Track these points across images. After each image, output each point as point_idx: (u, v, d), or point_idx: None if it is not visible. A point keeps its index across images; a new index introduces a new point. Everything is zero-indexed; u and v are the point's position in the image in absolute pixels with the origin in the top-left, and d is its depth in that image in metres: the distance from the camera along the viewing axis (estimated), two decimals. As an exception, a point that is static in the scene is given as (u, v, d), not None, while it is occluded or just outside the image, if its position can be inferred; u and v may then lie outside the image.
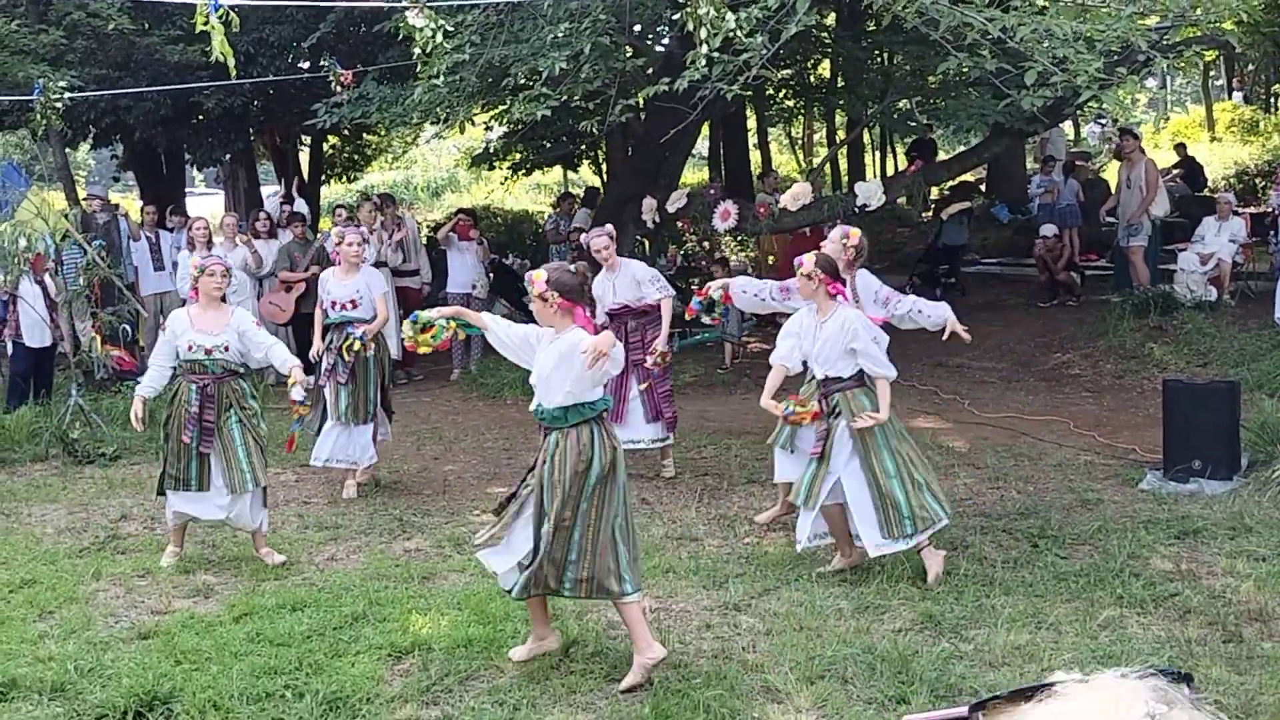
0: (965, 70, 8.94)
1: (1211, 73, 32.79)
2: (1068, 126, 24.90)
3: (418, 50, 8.72)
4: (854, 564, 7.27)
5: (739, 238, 14.65)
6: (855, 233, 8.03)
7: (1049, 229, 16.53)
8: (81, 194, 15.66)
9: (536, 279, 5.86)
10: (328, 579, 7.40)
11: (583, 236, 9.91)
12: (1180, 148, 22.83)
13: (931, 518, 7.04)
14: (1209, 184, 21.44)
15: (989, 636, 6.17)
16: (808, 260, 7.11)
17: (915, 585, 6.97)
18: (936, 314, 7.72)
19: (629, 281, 9.43)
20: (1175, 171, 21.07)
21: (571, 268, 6.03)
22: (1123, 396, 12.02)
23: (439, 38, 8.47)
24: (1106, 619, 6.35)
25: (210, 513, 7.82)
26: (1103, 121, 22.06)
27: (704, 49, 8.05)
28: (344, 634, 6.49)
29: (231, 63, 7.60)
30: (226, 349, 7.72)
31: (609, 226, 9.70)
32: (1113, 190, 16.10)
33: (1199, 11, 7.87)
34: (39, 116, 11.76)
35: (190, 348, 7.69)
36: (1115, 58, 8.37)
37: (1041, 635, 6.17)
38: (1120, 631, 6.21)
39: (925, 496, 7.04)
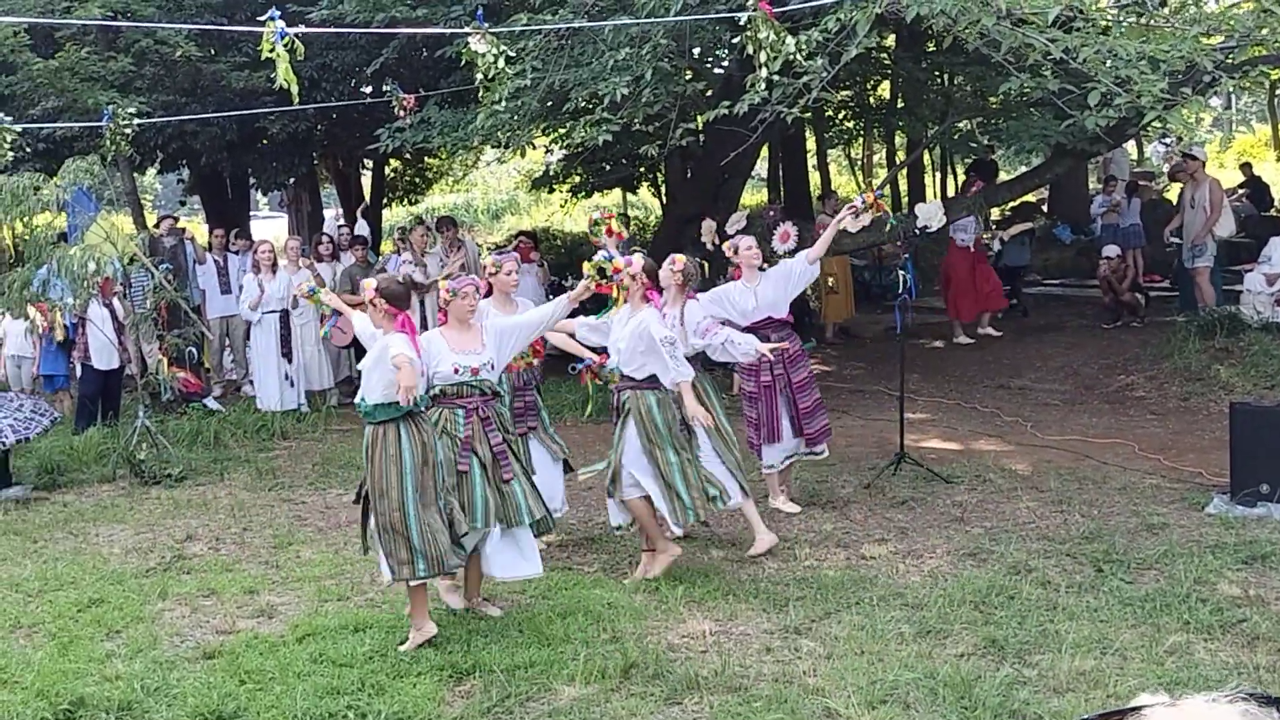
0: (1027, 91, 8.90)
1: (1278, 92, 32.36)
2: (1131, 146, 24.67)
3: (480, 75, 8.79)
4: (664, 564, 7.73)
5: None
6: (681, 259, 8.44)
7: (1112, 250, 16.37)
8: (153, 218, 15.91)
9: (367, 286, 6.74)
10: (390, 600, 7.44)
11: (729, 243, 9.38)
12: (1246, 167, 22.56)
13: (715, 498, 7.72)
14: (1275, 203, 21.15)
15: (1053, 662, 6.11)
16: (636, 261, 7.62)
17: (978, 610, 6.91)
18: (747, 345, 8.21)
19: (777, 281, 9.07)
20: (1241, 191, 20.82)
21: (400, 278, 7.04)
22: (1188, 419, 11.86)
23: (501, 63, 8.54)
24: (1173, 645, 6.26)
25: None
26: (1167, 141, 21.86)
27: (763, 72, 8.06)
28: (405, 655, 6.53)
29: (295, 89, 7.70)
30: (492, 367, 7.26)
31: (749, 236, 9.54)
32: (1176, 211, 15.94)
33: (1265, 31, 7.78)
34: (108, 142, 11.96)
35: (456, 370, 7.11)
36: (1180, 78, 8.29)
37: (1107, 661, 6.10)
38: (1187, 658, 6.13)
39: (706, 485, 7.70)
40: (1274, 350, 12.88)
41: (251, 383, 14.60)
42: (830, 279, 15.64)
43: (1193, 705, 1.39)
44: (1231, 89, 8.74)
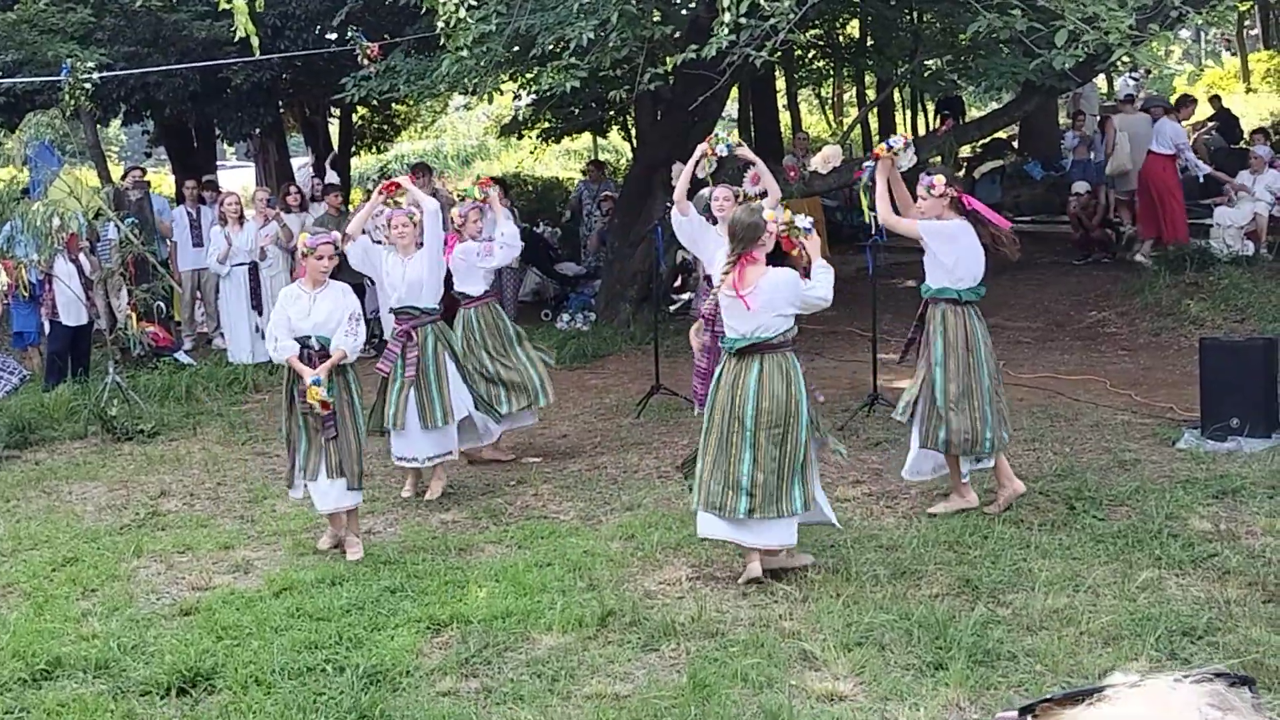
0: (995, 29, 8.85)
1: (1246, 23, 32.33)
2: (1100, 80, 24.62)
3: (440, 24, 8.69)
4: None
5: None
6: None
7: (1081, 186, 16.37)
8: (119, 170, 15.73)
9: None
10: (365, 552, 7.44)
11: (705, 190, 9.26)
12: (1215, 99, 22.55)
13: None
14: (1244, 136, 21.17)
15: (1026, 600, 6.16)
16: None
17: (952, 550, 6.96)
18: None
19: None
20: (1210, 124, 20.82)
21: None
22: (1159, 354, 11.92)
23: (461, 12, 8.44)
24: (1145, 581, 6.32)
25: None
26: (1135, 76, 21.81)
27: (727, 17, 8.00)
28: (382, 607, 6.54)
29: (256, 41, 7.60)
30: None
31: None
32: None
33: (1232, -34, 7.76)
34: (68, 96, 11.80)
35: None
36: (1147, 13, 8.26)
37: (1079, 598, 6.15)
38: (1159, 593, 6.19)
39: None
40: (1243, 284, 12.95)
41: (222, 335, 14.51)
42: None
43: (1156, 686, 1.38)
44: (1199, 23, 8.71)
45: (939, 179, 7.62)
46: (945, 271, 7.58)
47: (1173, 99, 17.95)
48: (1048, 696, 1.42)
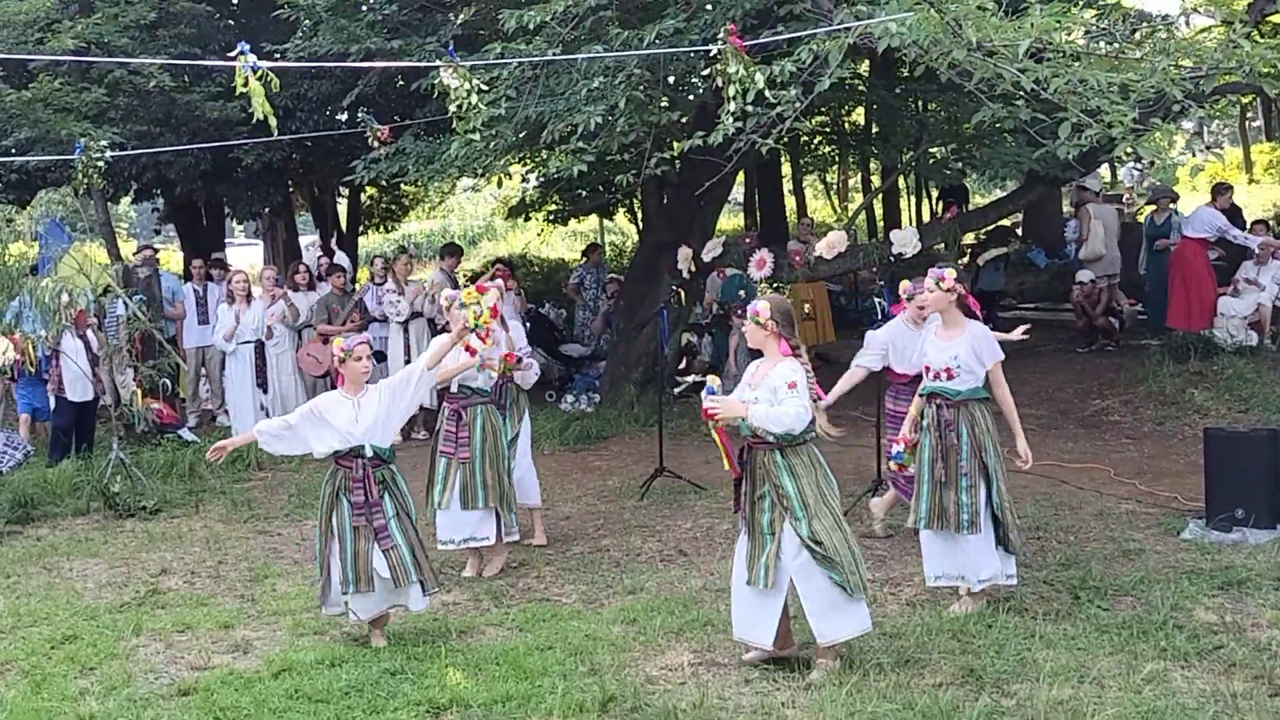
0: (1000, 119, 8.94)
1: (1249, 115, 32.66)
2: (1104, 169, 24.82)
3: (453, 108, 8.80)
4: None
5: (775, 286, 14.69)
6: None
7: (1085, 274, 16.44)
8: (129, 246, 15.83)
9: None
10: (366, 634, 7.40)
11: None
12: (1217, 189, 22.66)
13: None
14: (1248, 226, 21.26)
15: (1031, 691, 6.11)
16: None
17: (956, 639, 6.91)
18: None
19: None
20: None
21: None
22: (1164, 443, 11.91)
23: (473, 97, 8.55)
24: (1150, 673, 6.27)
25: None
26: (1139, 166, 22.02)
27: (732, 105, 8.10)
28: (382, 690, 6.49)
29: (273, 121, 7.70)
30: None
31: None
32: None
33: (1233, 63, 7.84)
34: (81, 174, 11.91)
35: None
36: (1149, 105, 8.35)
37: (1085, 690, 6.10)
38: (1164, 685, 6.14)
39: None
40: (1248, 374, 12.96)
41: (227, 413, 14.53)
42: (806, 305, 15.65)
43: None
44: (1200, 116, 8.81)
45: (950, 273, 7.55)
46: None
47: (1177, 186, 18.05)
48: None
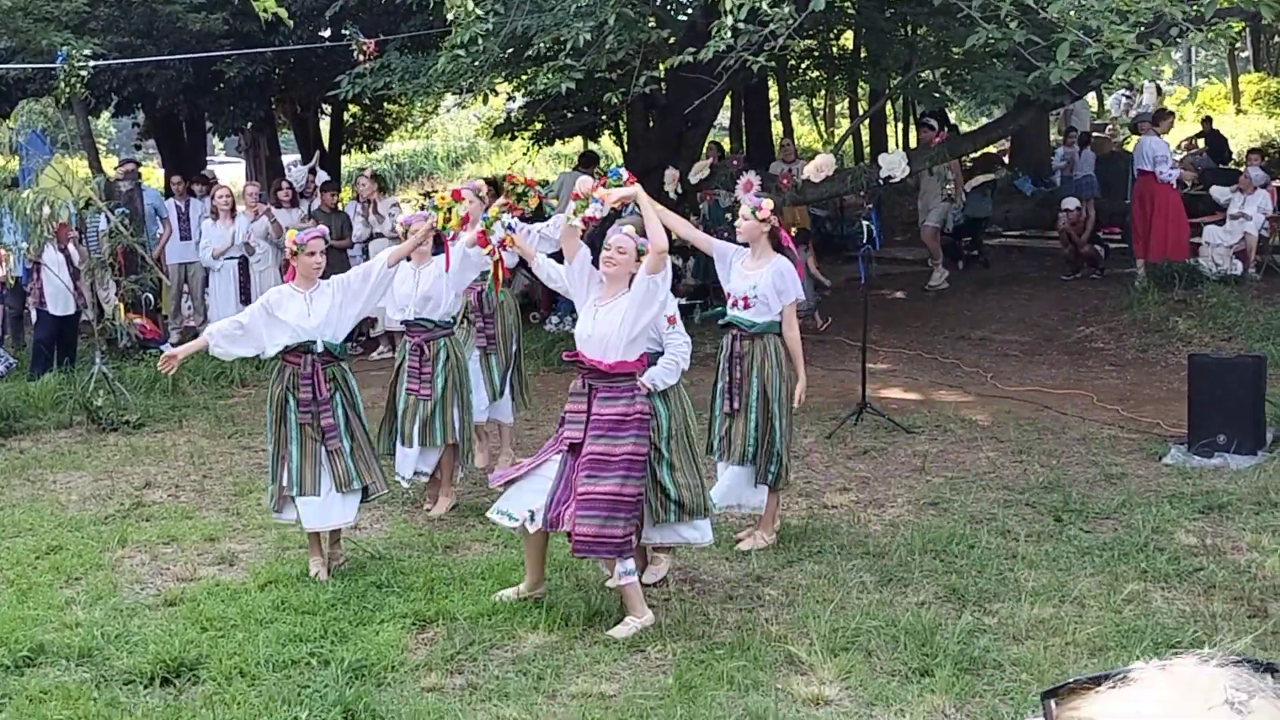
0: (992, 42, 8.86)
1: (1237, 44, 32.49)
2: (1091, 97, 24.71)
3: (450, 15, 8.67)
4: None
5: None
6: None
7: (1071, 202, 16.41)
8: (109, 162, 15.67)
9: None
10: (351, 548, 7.42)
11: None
12: (1206, 120, 22.66)
13: None
14: (1234, 156, 21.28)
15: (1013, 610, 6.17)
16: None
17: (939, 558, 6.96)
18: None
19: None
20: (1197, 143, 20.91)
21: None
22: (1147, 370, 11.97)
23: (470, 3, 8.42)
24: (1131, 593, 6.33)
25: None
26: (1127, 94, 21.92)
27: (729, 19, 8.01)
28: (368, 602, 6.52)
29: (284, 14, 7.52)
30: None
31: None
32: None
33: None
34: (62, 84, 11.75)
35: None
36: (1146, 29, 8.29)
37: (1065, 609, 6.16)
38: (1145, 606, 6.20)
39: None
40: (1232, 302, 13.01)
41: (209, 329, 14.46)
42: (793, 229, 15.61)
43: (1181, 668, 1.38)
44: (1198, 41, 8.73)
45: (767, 203, 7.22)
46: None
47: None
48: (1070, 681, 1.42)
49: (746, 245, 7.24)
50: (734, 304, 7.24)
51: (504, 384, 8.96)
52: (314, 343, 6.87)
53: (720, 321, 7.52)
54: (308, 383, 6.86)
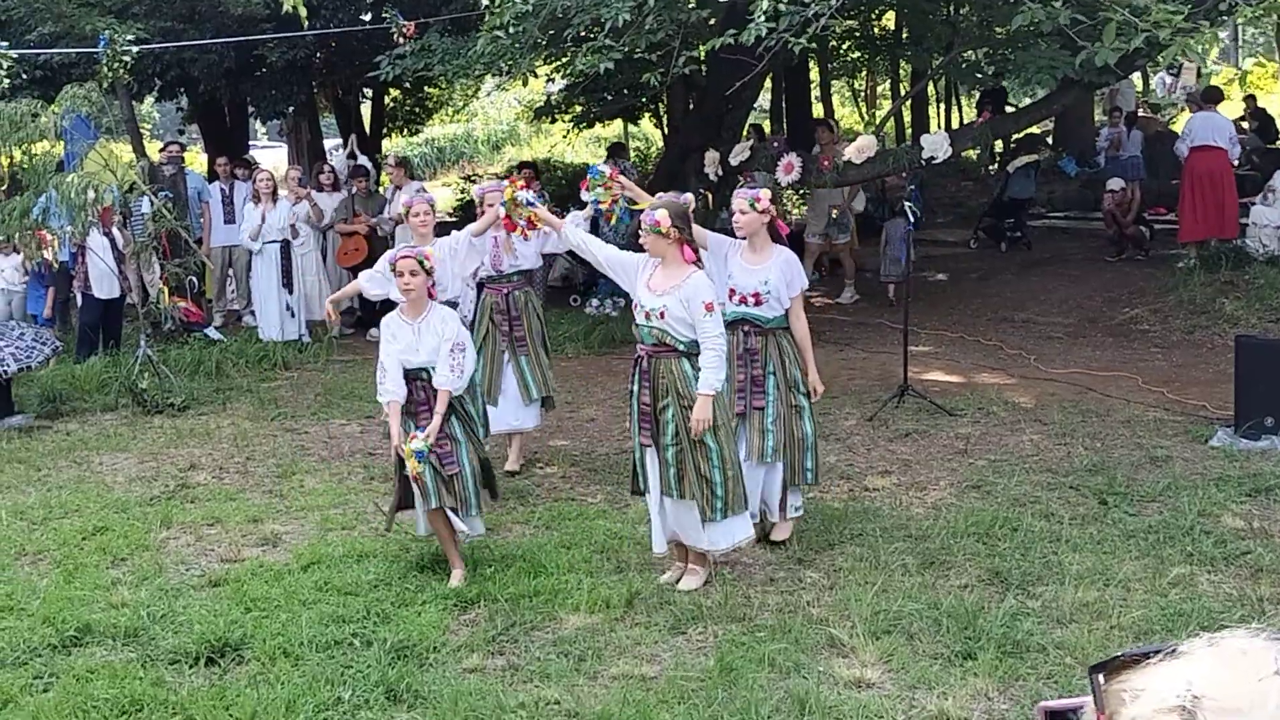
0: (1039, 21, 8.76)
1: (1285, 23, 32.03)
2: (1136, 77, 24.43)
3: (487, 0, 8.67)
4: None
5: (801, 191, 14.53)
6: None
7: (1116, 182, 16.26)
8: (153, 146, 15.76)
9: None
10: (394, 529, 7.44)
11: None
12: (1250, 99, 22.35)
13: None
14: (1281, 136, 20.97)
15: (1056, 593, 6.13)
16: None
17: (981, 541, 6.92)
18: None
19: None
20: (1245, 125, 20.63)
21: None
22: (1193, 352, 11.84)
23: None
24: (1176, 576, 6.28)
25: None
26: (1173, 72, 21.61)
27: (767, 2, 7.95)
28: (410, 584, 6.55)
29: (303, 11, 7.59)
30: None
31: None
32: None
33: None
34: (106, 69, 11.81)
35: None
36: (1195, 7, 8.18)
37: (1110, 592, 6.11)
38: (1191, 589, 6.14)
39: None
40: (1279, 284, 12.84)
41: (253, 313, 14.55)
42: (834, 210, 15.51)
43: (1230, 643, 1.37)
44: (1246, 17, 8.62)
45: (765, 194, 6.98)
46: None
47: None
48: (1119, 655, 1.42)
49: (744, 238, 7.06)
50: (740, 300, 7.00)
51: (539, 386, 8.78)
52: (421, 371, 6.71)
53: (726, 318, 7.07)
54: (424, 409, 6.73)
